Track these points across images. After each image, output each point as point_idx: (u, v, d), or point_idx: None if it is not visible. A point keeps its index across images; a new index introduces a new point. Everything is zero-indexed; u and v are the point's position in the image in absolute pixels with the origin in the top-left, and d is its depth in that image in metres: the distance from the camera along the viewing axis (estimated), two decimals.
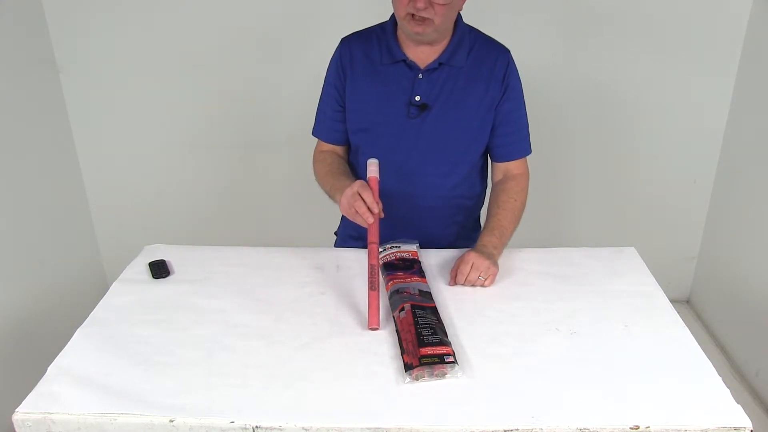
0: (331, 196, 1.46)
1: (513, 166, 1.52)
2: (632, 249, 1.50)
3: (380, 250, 1.44)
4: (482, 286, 1.34)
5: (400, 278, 1.31)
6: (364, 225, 1.30)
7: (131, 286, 1.36)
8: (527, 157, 1.53)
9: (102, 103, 2.36)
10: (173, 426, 0.99)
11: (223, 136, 2.42)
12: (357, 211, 1.29)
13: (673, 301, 1.30)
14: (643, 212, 2.50)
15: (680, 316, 1.25)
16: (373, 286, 1.21)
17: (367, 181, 1.32)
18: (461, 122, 1.45)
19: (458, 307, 1.27)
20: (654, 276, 1.39)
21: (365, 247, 1.28)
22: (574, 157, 2.44)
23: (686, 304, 2.63)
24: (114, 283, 1.38)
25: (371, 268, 1.24)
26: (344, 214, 1.34)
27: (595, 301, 1.30)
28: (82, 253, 2.51)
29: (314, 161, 1.57)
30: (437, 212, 1.52)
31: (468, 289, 1.34)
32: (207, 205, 2.54)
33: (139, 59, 2.29)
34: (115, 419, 1.00)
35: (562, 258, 1.46)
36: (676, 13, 2.18)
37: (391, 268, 1.36)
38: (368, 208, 1.28)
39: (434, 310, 1.22)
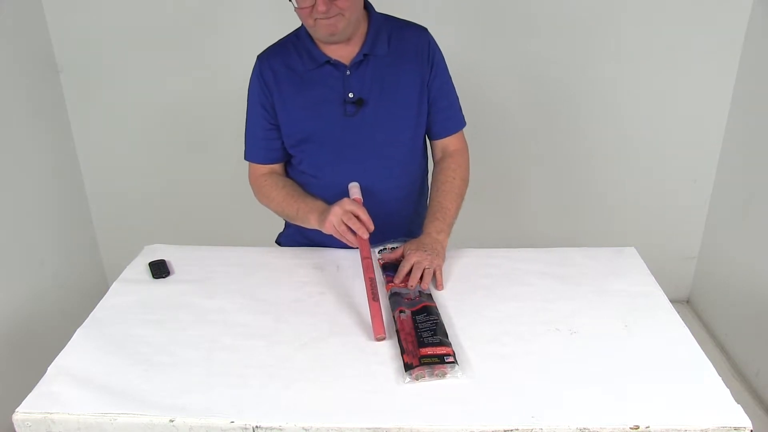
0: (299, 218, 1.43)
1: (450, 142, 1.53)
2: (632, 249, 1.50)
3: (380, 249, 1.45)
4: (437, 282, 1.34)
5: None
6: (351, 243, 1.32)
7: (131, 286, 1.36)
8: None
9: (102, 103, 2.36)
10: (173, 426, 0.99)
11: (224, 136, 2.42)
12: (352, 228, 1.29)
13: (673, 301, 1.30)
14: (643, 212, 2.50)
15: (680, 316, 1.24)
16: (375, 297, 1.21)
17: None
18: (399, 110, 1.44)
19: (458, 307, 1.27)
20: (654, 276, 1.39)
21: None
22: (574, 157, 2.44)
23: (686, 304, 2.63)
24: (114, 283, 1.38)
25: (370, 281, 1.24)
26: (330, 233, 1.33)
27: (595, 301, 1.29)
28: (82, 253, 2.52)
29: (258, 186, 1.51)
30: (393, 203, 1.51)
31: (468, 289, 1.34)
32: (207, 205, 2.54)
33: (139, 59, 2.29)
34: (115, 419, 1.00)
35: (562, 258, 1.46)
36: (676, 13, 2.18)
37: (391, 268, 1.36)
38: (362, 225, 1.30)
39: (434, 310, 1.22)
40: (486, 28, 2.23)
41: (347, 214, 1.30)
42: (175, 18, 2.24)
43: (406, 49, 1.43)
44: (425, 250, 1.34)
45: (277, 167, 1.53)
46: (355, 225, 1.30)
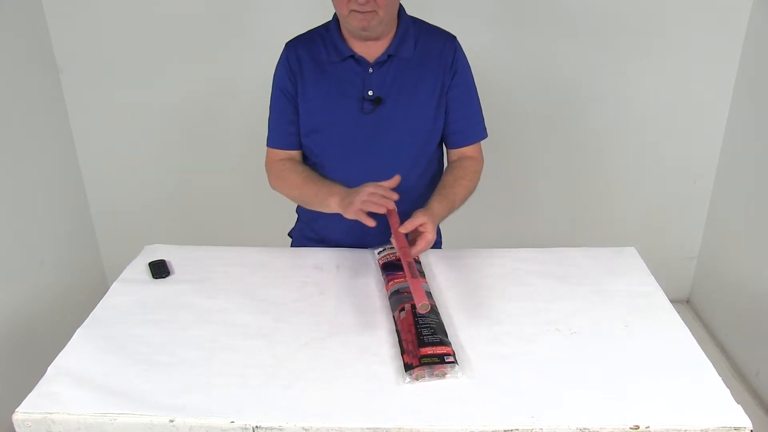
0: (317, 201, 1.43)
1: (467, 151, 1.52)
2: (632, 249, 1.50)
3: (380, 250, 1.44)
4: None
5: (401, 278, 1.31)
6: (371, 223, 1.29)
7: (131, 286, 1.36)
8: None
9: (102, 103, 2.36)
10: (173, 426, 0.99)
11: (224, 136, 2.42)
12: (376, 202, 1.28)
13: (673, 301, 1.30)
14: (643, 212, 2.50)
15: (680, 316, 1.25)
16: (414, 275, 1.20)
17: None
18: (416, 113, 1.45)
19: (458, 307, 1.27)
20: (654, 276, 1.39)
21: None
22: (574, 157, 2.44)
23: (686, 304, 2.63)
24: (114, 283, 1.38)
25: (408, 264, 1.23)
26: (354, 217, 1.31)
27: (595, 301, 1.29)
28: (82, 253, 2.52)
29: (275, 171, 1.51)
30: (402, 204, 1.49)
31: (468, 289, 1.34)
32: (207, 205, 2.54)
33: (139, 59, 2.29)
34: (115, 419, 1.00)
35: (562, 258, 1.46)
36: (676, 13, 2.18)
37: (391, 268, 1.36)
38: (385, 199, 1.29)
39: (434, 310, 1.22)
40: (488, 28, 2.24)
41: (371, 194, 1.29)
42: (175, 18, 2.24)
43: (431, 55, 1.44)
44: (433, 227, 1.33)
45: (296, 154, 1.52)
46: (380, 200, 1.28)
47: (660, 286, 1.35)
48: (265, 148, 1.54)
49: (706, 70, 2.26)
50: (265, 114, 2.40)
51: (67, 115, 2.37)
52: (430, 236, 1.31)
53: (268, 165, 1.54)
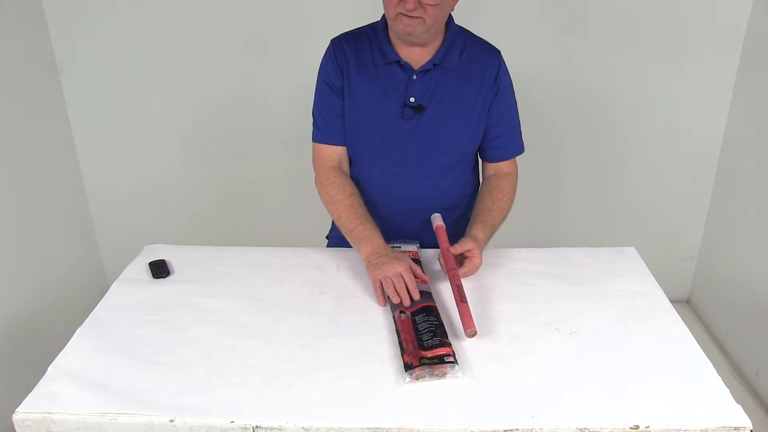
0: (350, 237, 1.41)
1: (504, 165, 1.54)
2: (632, 249, 1.50)
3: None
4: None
5: None
6: (381, 302, 1.29)
7: (131, 286, 1.36)
8: (518, 158, 1.55)
9: (102, 103, 2.36)
10: (173, 426, 0.99)
11: (224, 137, 2.42)
12: (397, 291, 1.25)
13: (673, 301, 1.30)
14: (643, 212, 2.50)
15: (680, 316, 1.25)
16: (463, 299, 1.22)
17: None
18: (455, 123, 1.45)
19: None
20: (654, 276, 1.39)
21: None
22: (574, 157, 2.44)
23: (686, 304, 2.63)
24: (114, 283, 1.38)
25: (457, 287, 1.25)
26: (372, 278, 1.31)
27: (595, 301, 1.30)
28: (82, 253, 2.51)
29: (323, 178, 1.48)
30: (432, 211, 1.50)
31: (468, 289, 1.32)
32: (207, 205, 2.54)
33: (139, 59, 2.29)
34: (115, 419, 1.00)
35: (562, 258, 1.46)
36: (676, 13, 2.18)
37: None
38: (407, 293, 1.25)
39: (434, 311, 1.22)
40: (493, 27, 2.23)
41: (398, 276, 1.27)
42: (174, 18, 2.24)
43: (475, 67, 1.44)
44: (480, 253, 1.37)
45: (342, 151, 1.49)
46: (401, 291, 1.25)
47: (660, 286, 1.35)
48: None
49: (705, 70, 2.25)
50: (262, 116, 2.42)
51: (67, 115, 2.36)
52: (477, 261, 1.35)
53: (317, 164, 1.51)
